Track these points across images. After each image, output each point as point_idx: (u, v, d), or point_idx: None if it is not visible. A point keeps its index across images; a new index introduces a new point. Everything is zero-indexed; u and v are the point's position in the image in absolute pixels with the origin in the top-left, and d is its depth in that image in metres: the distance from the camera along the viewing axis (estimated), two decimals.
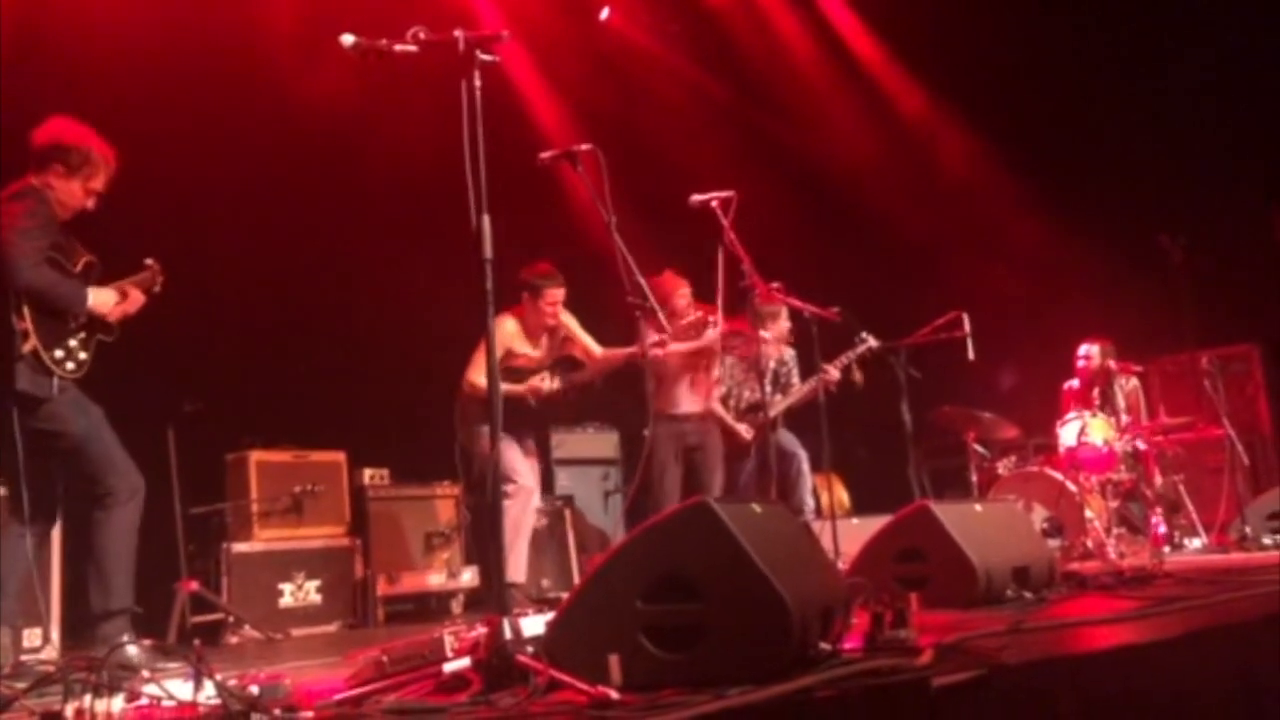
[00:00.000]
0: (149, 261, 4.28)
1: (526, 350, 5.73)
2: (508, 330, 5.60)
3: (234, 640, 5.31)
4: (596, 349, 5.79)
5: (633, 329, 5.40)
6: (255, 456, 5.97)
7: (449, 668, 2.56)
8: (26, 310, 3.74)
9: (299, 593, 5.82)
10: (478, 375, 5.52)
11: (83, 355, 3.90)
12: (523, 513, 5.65)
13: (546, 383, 5.66)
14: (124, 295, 4.09)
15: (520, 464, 5.71)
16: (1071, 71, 8.51)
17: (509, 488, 5.50)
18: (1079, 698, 2.34)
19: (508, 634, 2.51)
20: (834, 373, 6.16)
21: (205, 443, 5.79)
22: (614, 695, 2.24)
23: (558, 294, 5.68)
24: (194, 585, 5.22)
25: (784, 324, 6.51)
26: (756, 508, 2.67)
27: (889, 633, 2.62)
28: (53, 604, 4.69)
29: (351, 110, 6.45)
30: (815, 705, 2.09)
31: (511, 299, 5.69)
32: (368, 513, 6.27)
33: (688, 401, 6.15)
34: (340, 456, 6.29)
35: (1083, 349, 7.37)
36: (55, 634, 4.66)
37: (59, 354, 3.81)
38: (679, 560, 2.45)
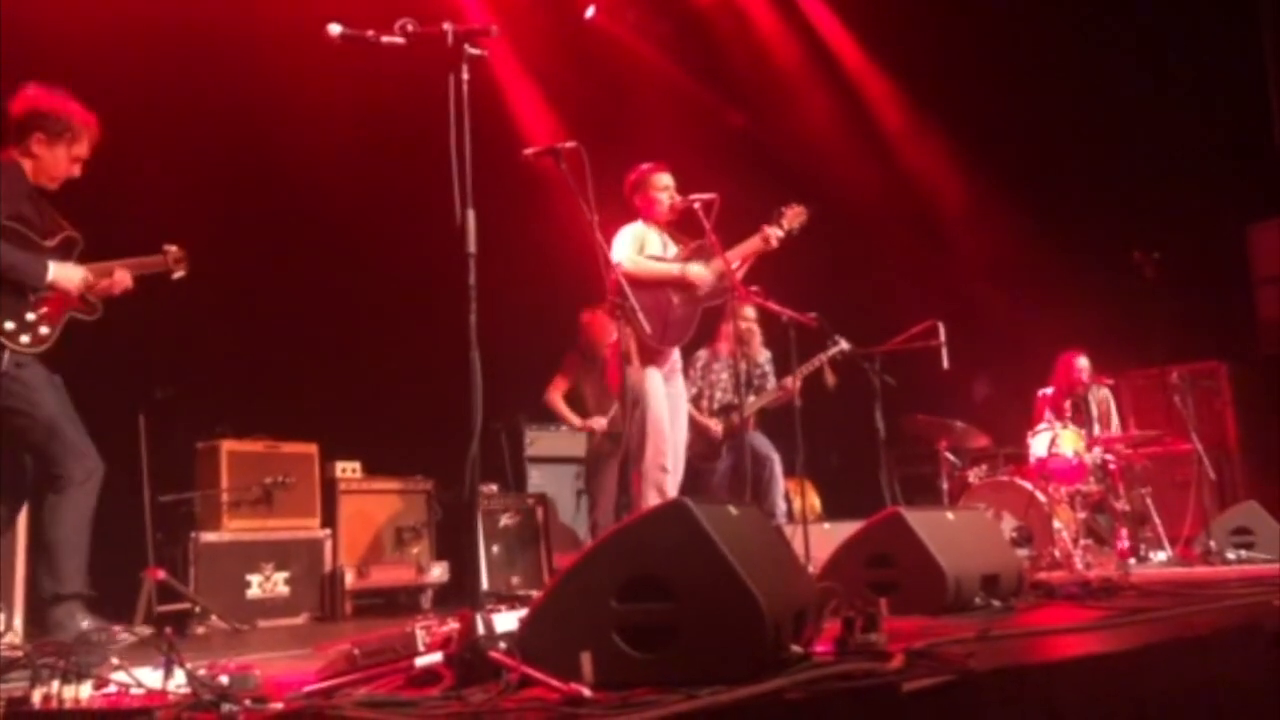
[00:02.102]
0: (169, 248, 4.21)
1: (656, 250, 5.14)
2: (636, 230, 5.10)
3: (200, 630, 5.28)
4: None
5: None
6: (226, 446, 5.93)
7: (420, 662, 2.55)
8: None
9: (267, 584, 5.79)
10: (633, 259, 4.93)
11: (44, 330, 3.81)
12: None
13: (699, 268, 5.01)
14: (108, 274, 4.03)
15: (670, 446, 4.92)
16: (1052, 85, 8.59)
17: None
18: (1046, 705, 2.37)
19: (480, 629, 2.51)
20: (791, 383, 6.16)
21: (176, 430, 5.75)
22: (586, 693, 2.24)
23: (663, 177, 5.14)
24: (161, 574, 5.18)
25: (742, 323, 6.49)
26: (732, 510, 2.69)
27: (860, 637, 2.63)
28: (16, 588, 4.63)
29: (335, 100, 6.41)
30: (786, 707, 2.10)
31: (500, 294, 5.58)
32: (338, 505, 6.25)
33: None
34: (312, 448, 6.26)
35: (1081, 362, 7.41)
36: (19, 620, 4.61)
37: (9, 325, 3.72)
38: (654, 560, 2.46)
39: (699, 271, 5.03)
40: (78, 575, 3.84)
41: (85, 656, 2.27)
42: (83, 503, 3.85)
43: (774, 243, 5.15)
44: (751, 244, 5.16)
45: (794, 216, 5.21)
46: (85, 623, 3.70)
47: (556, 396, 6.87)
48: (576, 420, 6.77)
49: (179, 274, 4.24)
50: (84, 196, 4.08)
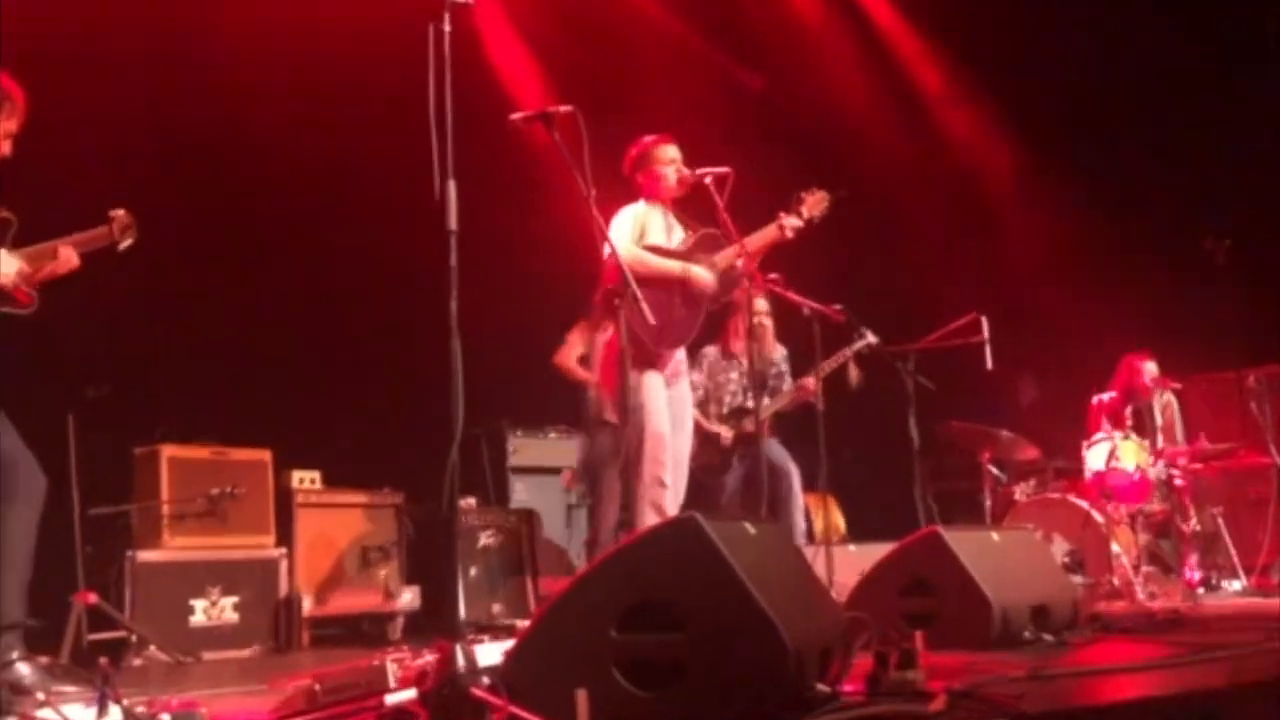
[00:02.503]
0: (115, 213, 4.17)
1: (660, 235, 5.11)
2: (637, 211, 5.08)
3: (138, 662, 5.27)
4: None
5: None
6: (167, 452, 5.91)
7: (391, 699, 2.55)
8: None
9: (213, 610, 5.78)
10: (630, 250, 4.81)
11: None
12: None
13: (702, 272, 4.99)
14: (51, 255, 4.00)
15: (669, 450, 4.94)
16: (1113, 48, 8.58)
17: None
18: None
19: (461, 662, 2.50)
20: (811, 383, 6.12)
21: (110, 434, 5.73)
22: None
23: (669, 150, 5.11)
24: (92, 598, 5.17)
25: (753, 318, 6.48)
26: (749, 527, 2.68)
27: (895, 675, 2.63)
28: None
29: (296, 60, 6.40)
30: None
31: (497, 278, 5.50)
32: (295, 521, 6.24)
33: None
34: (265, 455, 6.24)
35: (1149, 366, 7.37)
36: None
37: None
38: (661, 584, 2.45)
39: (702, 275, 5.00)
40: (19, 603, 3.84)
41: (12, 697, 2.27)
42: (25, 523, 3.85)
43: (790, 233, 5.15)
44: (766, 234, 5.15)
45: (815, 203, 5.21)
46: (20, 663, 3.68)
47: (569, 355, 6.59)
48: (593, 377, 6.54)
49: (126, 243, 4.21)
50: (11, 173, 4.06)
